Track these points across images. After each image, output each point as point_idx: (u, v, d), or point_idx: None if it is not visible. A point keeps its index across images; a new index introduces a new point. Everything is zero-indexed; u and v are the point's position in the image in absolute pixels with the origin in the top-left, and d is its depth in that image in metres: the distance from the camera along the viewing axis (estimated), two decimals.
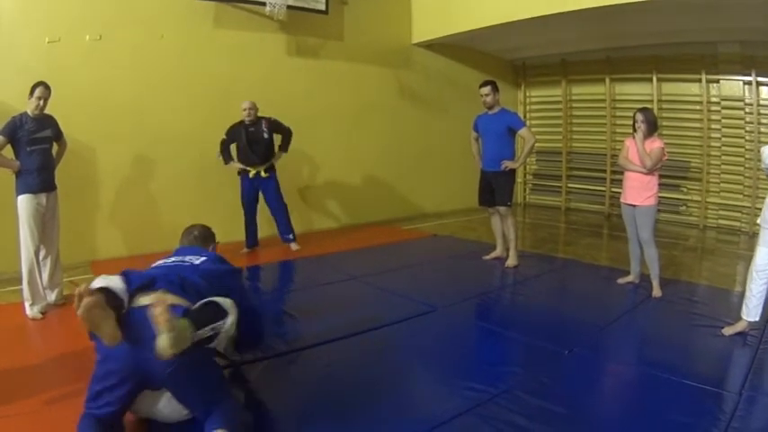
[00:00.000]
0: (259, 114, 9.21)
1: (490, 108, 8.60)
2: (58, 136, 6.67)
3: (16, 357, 5.06)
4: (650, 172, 6.88)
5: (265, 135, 9.18)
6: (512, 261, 8.59)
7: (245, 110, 9.03)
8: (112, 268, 7.95)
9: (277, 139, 9.45)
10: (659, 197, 7.14)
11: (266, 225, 9.53)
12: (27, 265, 6.25)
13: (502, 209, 8.64)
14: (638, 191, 7.00)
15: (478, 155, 8.97)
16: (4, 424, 3.83)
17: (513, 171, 8.65)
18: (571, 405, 4.15)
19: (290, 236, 9.43)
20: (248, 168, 9.18)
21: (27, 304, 6.22)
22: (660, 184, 7.10)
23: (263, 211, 9.48)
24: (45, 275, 6.47)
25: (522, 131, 8.50)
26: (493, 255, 9.03)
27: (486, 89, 8.51)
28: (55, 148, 6.73)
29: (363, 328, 5.77)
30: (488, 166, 8.69)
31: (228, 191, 9.73)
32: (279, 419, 4.13)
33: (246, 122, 9.10)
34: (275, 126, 9.33)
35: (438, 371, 4.88)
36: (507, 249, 8.79)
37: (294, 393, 4.48)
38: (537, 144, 12.31)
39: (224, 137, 9.24)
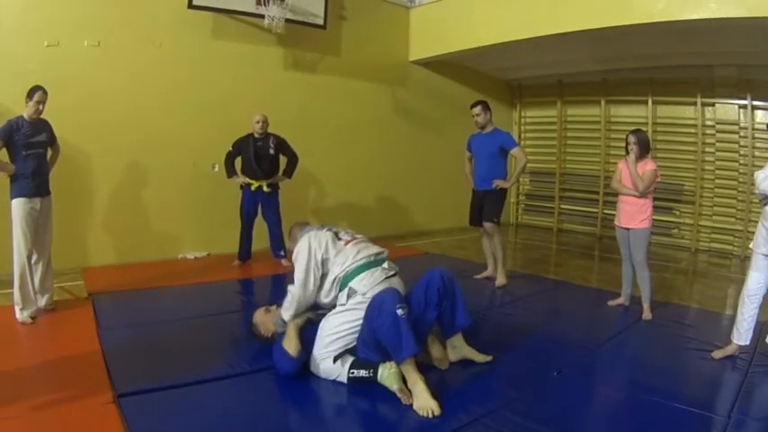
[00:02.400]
0: (269, 130, 9.17)
1: (482, 128, 8.65)
2: (52, 141, 6.65)
3: (4, 361, 5.02)
4: (643, 195, 6.89)
5: (271, 151, 9.13)
6: (500, 280, 8.58)
7: (257, 122, 8.99)
8: (104, 275, 8.01)
9: (282, 160, 9.41)
10: (652, 219, 7.14)
11: (257, 239, 9.48)
12: (19, 269, 6.21)
13: (488, 225, 8.62)
14: (633, 214, 7.01)
15: (471, 174, 8.98)
16: None
17: (504, 190, 8.66)
18: (559, 426, 4.13)
19: (282, 252, 9.36)
20: (251, 181, 9.11)
21: (17, 308, 6.19)
22: (653, 207, 7.10)
23: (258, 226, 9.43)
24: (36, 280, 6.45)
25: (515, 151, 8.57)
26: (484, 274, 8.98)
27: (477, 109, 8.56)
28: (49, 153, 6.70)
29: None
30: (480, 186, 8.71)
31: (221, 202, 9.75)
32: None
33: (256, 136, 9.05)
34: (282, 146, 9.30)
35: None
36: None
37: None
38: (530, 165, 12.32)
39: (230, 149, 9.17)
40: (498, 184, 8.49)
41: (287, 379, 4.76)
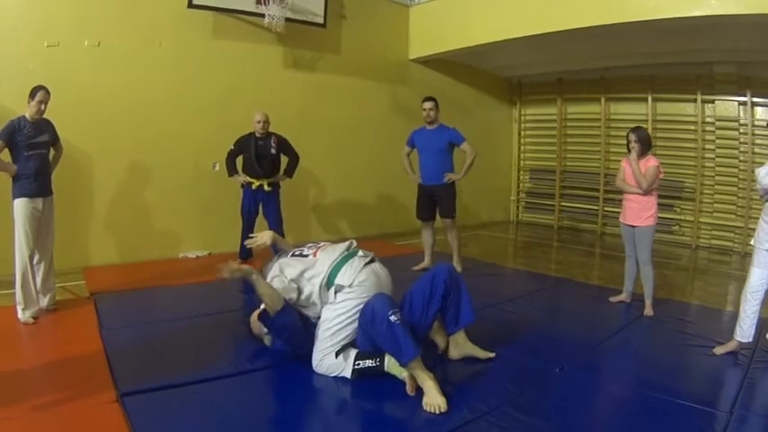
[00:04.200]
0: (270, 129, 9.16)
1: (431, 123, 8.90)
2: (54, 141, 6.65)
3: (7, 361, 5.03)
4: (647, 192, 6.90)
5: (273, 151, 9.12)
6: (457, 266, 8.68)
7: (258, 122, 8.96)
8: (105, 275, 8.00)
9: (284, 158, 9.41)
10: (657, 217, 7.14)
11: None
12: (21, 270, 6.21)
13: (448, 221, 8.98)
14: (638, 212, 7.02)
15: (410, 168, 9.28)
16: None
17: (454, 184, 8.94)
18: (562, 423, 4.14)
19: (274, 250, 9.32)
20: (252, 180, 9.11)
21: (19, 308, 6.19)
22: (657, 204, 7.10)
23: (259, 225, 9.38)
24: (38, 280, 6.45)
25: (464, 146, 8.83)
26: (421, 266, 9.16)
27: (431, 104, 8.89)
28: (51, 153, 6.70)
29: None
30: (430, 181, 8.96)
31: (223, 201, 9.76)
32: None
33: (257, 135, 9.03)
34: (284, 146, 9.28)
35: None
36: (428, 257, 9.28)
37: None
38: (531, 162, 12.36)
39: (232, 147, 9.14)
40: (451, 177, 8.80)
41: (290, 377, 4.77)
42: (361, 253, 5.15)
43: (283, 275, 5.01)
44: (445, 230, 9.22)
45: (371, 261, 5.12)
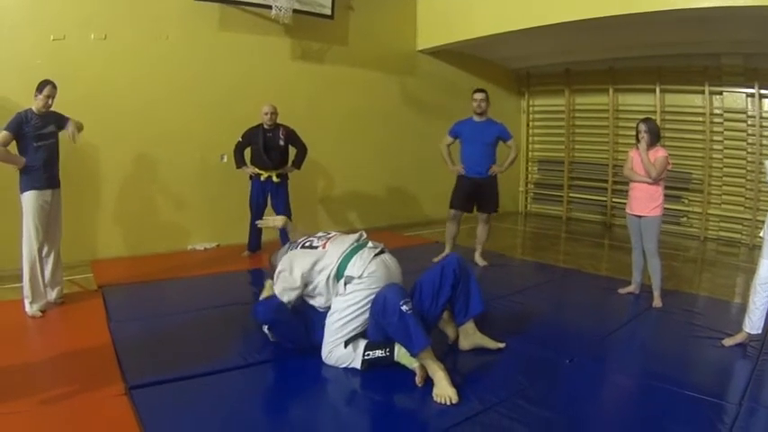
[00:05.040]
0: (278, 121, 9.16)
1: (480, 114, 8.81)
2: (61, 124, 6.57)
3: (14, 355, 5.04)
4: (656, 182, 6.88)
5: (281, 142, 9.11)
6: (480, 260, 8.92)
7: (266, 114, 8.96)
8: (113, 268, 8.01)
9: (292, 150, 9.40)
10: (663, 207, 7.12)
11: (267, 230, 9.42)
12: (29, 263, 6.21)
13: (485, 215, 8.98)
14: (644, 201, 7.00)
15: (451, 159, 9.13)
16: (1, 422, 3.82)
17: (497, 178, 8.96)
18: (572, 414, 4.14)
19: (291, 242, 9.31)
20: (260, 172, 9.11)
21: (27, 302, 6.19)
22: (664, 195, 7.08)
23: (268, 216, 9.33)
24: (47, 273, 6.46)
25: (511, 142, 8.88)
26: (441, 256, 8.58)
27: (482, 95, 8.81)
28: (60, 143, 6.67)
29: None
30: (475, 173, 8.87)
31: (231, 193, 9.78)
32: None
33: (265, 127, 9.02)
34: (292, 137, 9.28)
35: None
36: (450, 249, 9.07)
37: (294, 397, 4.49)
38: (539, 153, 12.35)
39: (239, 139, 9.14)
40: (496, 170, 8.78)
41: (299, 368, 4.79)
42: (370, 244, 5.14)
43: (292, 273, 4.99)
44: (479, 222, 9.16)
45: (381, 252, 5.11)
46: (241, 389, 4.50)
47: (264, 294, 5.28)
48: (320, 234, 5.39)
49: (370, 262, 4.89)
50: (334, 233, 5.39)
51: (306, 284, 4.99)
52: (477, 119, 8.83)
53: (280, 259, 5.28)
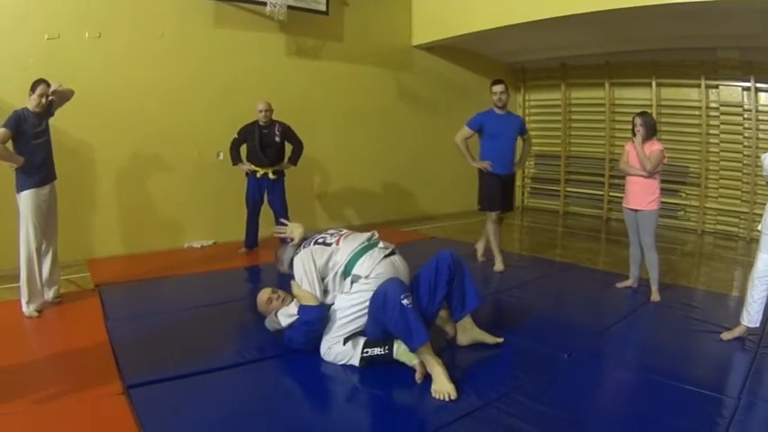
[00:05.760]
0: (273, 117, 9.16)
1: (501, 108, 8.35)
2: (51, 111, 6.54)
3: (12, 355, 5.03)
4: (651, 175, 6.90)
5: (277, 139, 9.12)
6: (501, 265, 8.49)
7: (261, 111, 8.96)
8: (110, 266, 8.00)
9: (288, 146, 9.40)
10: (660, 201, 7.14)
11: (263, 226, 9.43)
12: (26, 263, 6.19)
13: (505, 213, 8.66)
14: (641, 195, 7.02)
15: (471, 155, 8.54)
16: None
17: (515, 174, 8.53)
18: (570, 409, 4.14)
19: (288, 240, 9.28)
20: (256, 169, 9.12)
21: (23, 302, 6.17)
22: (660, 189, 7.09)
23: (264, 213, 9.41)
24: (45, 271, 6.45)
25: (527, 135, 8.60)
26: (497, 268, 8.49)
27: (502, 87, 8.32)
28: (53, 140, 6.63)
29: None
30: (503, 169, 8.42)
31: (227, 190, 9.78)
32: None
33: (261, 123, 9.03)
34: (288, 134, 9.28)
35: None
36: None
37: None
38: (536, 148, 12.32)
39: (235, 136, 9.16)
40: (520, 166, 8.54)
41: (297, 365, 4.79)
42: (381, 245, 5.15)
43: (314, 270, 4.99)
44: (498, 222, 8.72)
45: (391, 253, 5.11)
46: (239, 386, 4.50)
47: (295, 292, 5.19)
48: (332, 231, 5.41)
49: (379, 263, 4.90)
50: (345, 230, 5.41)
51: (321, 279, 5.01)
52: (499, 111, 8.35)
53: (288, 255, 5.33)
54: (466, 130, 8.45)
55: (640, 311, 6.70)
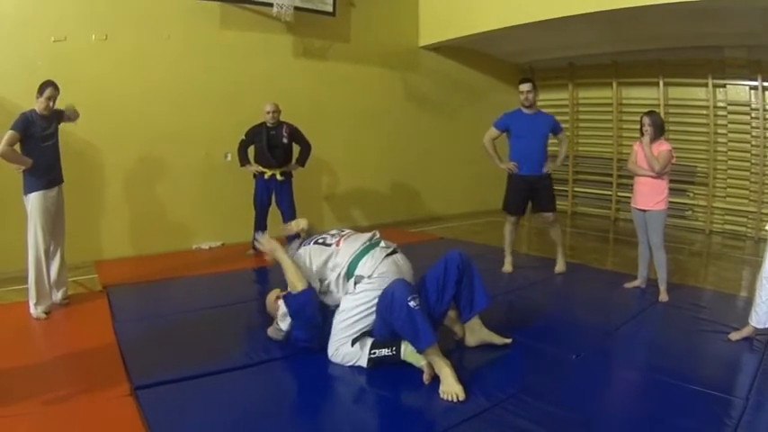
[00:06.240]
0: (281, 119, 9.16)
1: (529, 107, 8.20)
2: (60, 119, 6.58)
3: (19, 357, 5.04)
4: (660, 176, 6.88)
5: (284, 140, 9.10)
6: (561, 267, 8.43)
7: (268, 112, 8.95)
8: (118, 268, 8.01)
9: (295, 147, 9.40)
10: (668, 201, 7.12)
11: (271, 228, 9.40)
12: (34, 264, 6.21)
13: (550, 215, 8.40)
14: (649, 196, 7.02)
15: (499, 156, 8.43)
16: (6, 424, 3.83)
17: (551, 175, 8.38)
18: (579, 410, 4.14)
19: (295, 237, 9.28)
20: (264, 170, 9.12)
21: (31, 303, 6.19)
22: (668, 189, 7.07)
23: (272, 215, 9.39)
24: (53, 273, 6.45)
25: (562, 135, 8.40)
26: (506, 269, 8.51)
27: (528, 86, 8.18)
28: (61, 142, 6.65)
29: None
30: (530, 170, 8.19)
31: (235, 191, 9.76)
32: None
33: (268, 125, 9.02)
34: (295, 135, 9.27)
35: None
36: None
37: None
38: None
39: (243, 137, 9.16)
40: (552, 167, 8.22)
41: (305, 367, 4.79)
42: (383, 244, 5.14)
43: (310, 266, 5.07)
44: (549, 227, 8.60)
45: (393, 252, 5.11)
46: (247, 388, 4.50)
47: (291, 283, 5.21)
48: (334, 231, 5.41)
49: (381, 262, 4.90)
50: (347, 231, 5.40)
51: (320, 281, 5.03)
52: (526, 111, 8.19)
53: (290, 254, 5.29)
54: (493, 131, 8.38)
55: (649, 312, 6.69)
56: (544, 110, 8.84)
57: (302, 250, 5.22)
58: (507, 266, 8.51)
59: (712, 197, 12.30)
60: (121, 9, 8.95)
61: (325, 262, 5.03)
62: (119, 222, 9.23)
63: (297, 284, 4.88)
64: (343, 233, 5.32)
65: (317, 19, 11.01)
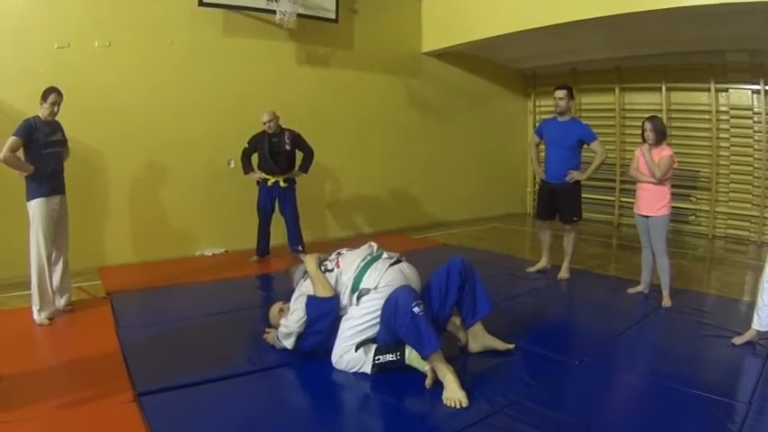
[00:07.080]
0: (283, 125, 9.17)
1: (561, 114, 8.23)
2: (65, 141, 6.62)
3: (23, 363, 5.04)
4: (661, 182, 6.88)
5: (287, 147, 9.11)
6: (564, 273, 8.46)
7: (265, 122, 8.93)
8: (121, 274, 8.02)
9: (298, 154, 9.40)
10: (671, 206, 7.12)
11: (275, 234, 9.47)
12: (37, 271, 6.20)
13: (568, 225, 8.48)
14: (651, 201, 7.01)
15: (538, 162, 8.67)
16: (9, 429, 3.84)
17: (579, 183, 8.33)
18: (581, 415, 4.14)
19: (299, 247, 9.33)
20: (267, 177, 9.13)
21: (35, 309, 6.19)
22: (671, 194, 7.06)
23: (275, 222, 9.43)
24: (56, 280, 6.47)
25: (594, 145, 8.19)
26: (538, 266, 8.76)
27: (563, 93, 8.16)
28: (63, 152, 6.68)
29: None
30: (553, 178, 8.30)
31: (238, 198, 9.81)
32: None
33: (270, 133, 9.03)
34: (298, 141, 9.28)
35: None
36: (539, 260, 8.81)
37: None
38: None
39: (246, 146, 9.18)
40: (574, 175, 8.16)
41: (308, 373, 4.80)
42: (385, 255, 5.16)
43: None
44: (565, 234, 8.67)
45: (397, 262, 5.12)
46: (251, 394, 4.51)
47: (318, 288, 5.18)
48: (332, 257, 5.37)
49: (386, 272, 4.91)
50: (343, 250, 5.40)
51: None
52: (559, 119, 8.24)
53: (298, 277, 5.39)
54: (534, 137, 8.69)
55: (652, 317, 6.68)
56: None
57: (305, 283, 5.22)
58: (538, 265, 8.75)
59: (715, 201, 12.28)
60: (125, 16, 8.98)
61: (335, 285, 5.04)
62: (122, 228, 9.24)
63: (324, 293, 4.92)
64: (340, 253, 5.34)
65: (320, 26, 11.02)
